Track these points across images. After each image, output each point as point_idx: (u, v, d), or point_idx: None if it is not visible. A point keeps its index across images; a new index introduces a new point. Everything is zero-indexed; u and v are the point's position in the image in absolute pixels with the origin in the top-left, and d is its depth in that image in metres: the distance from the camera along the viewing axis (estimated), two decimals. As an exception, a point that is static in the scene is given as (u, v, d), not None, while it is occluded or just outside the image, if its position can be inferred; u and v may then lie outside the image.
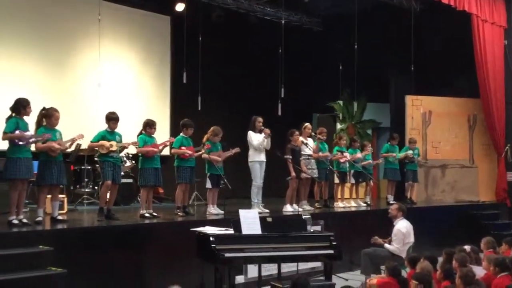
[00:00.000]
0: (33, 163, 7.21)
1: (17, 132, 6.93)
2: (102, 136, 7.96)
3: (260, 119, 9.52)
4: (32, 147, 7.22)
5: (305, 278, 5.46)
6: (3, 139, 6.99)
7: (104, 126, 8.12)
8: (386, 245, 7.95)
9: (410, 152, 12.12)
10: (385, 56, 14.26)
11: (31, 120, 7.33)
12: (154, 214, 8.39)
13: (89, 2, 11.44)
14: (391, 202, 11.23)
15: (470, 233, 10.94)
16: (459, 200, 13.38)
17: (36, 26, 11.08)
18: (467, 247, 6.89)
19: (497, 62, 13.09)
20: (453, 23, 12.99)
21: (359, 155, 11.43)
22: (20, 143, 6.93)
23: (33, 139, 7.11)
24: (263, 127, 9.42)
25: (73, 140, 7.70)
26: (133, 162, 10.70)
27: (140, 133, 8.57)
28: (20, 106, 7.06)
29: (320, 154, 10.49)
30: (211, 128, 9.18)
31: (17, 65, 10.77)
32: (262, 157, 9.47)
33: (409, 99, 13.64)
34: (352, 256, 8.96)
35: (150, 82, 12.86)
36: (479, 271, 6.06)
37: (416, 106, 13.67)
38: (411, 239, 7.98)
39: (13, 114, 7.08)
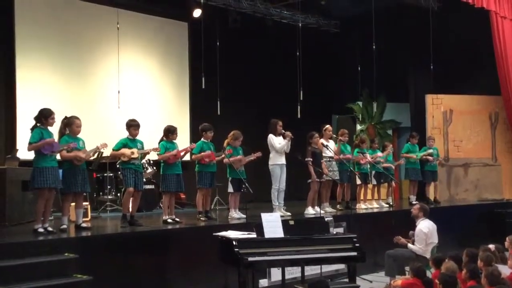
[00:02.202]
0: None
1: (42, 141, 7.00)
2: (123, 144, 8.01)
3: (280, 122, 9.51)
4: (57, 156, 7.31)
5: (324, 281, 5.44)
6: (29, 149, 7.09)
7: (125, 133, 8.18)
8: (410, 245, 7.91)
9: (430, 154, 11.99)
10: (403, 55, 14.20)
11: (54, 129, 7.42)
12: (177, 219, 8.42)
13: (108, 11, 11.57)
14: (414, 202, 11.15)
15: (495, 231, 10.83)
16: (483, 198, 13.25)
17: (56, 36, 11.22)
18: (491, 246, 6.82)
19: (518, 59, 12.95)
20: (472, 20, 12.88)
21: (379, 154, 11.38)
22: (46, 152, 7.02)
23: (59, 148, 7.19)
24: (283, 130, 9.41)
25: (96, 149, 7.77)
26: (155, 168, 10.77)
27: (162, 140, 8.62)
28: (43, 117, 7.15)
29: (342, 156, 10.46)
30: (231, 132, 9.19)
31: (39, 75, 10.92)
32: (283, 160, 9.47)
33: (429, 98, 13.56)
34: (376, 258, 8.92)
35: (169, 88, 12.95)
36: (505, 270, 6.00)
37: (437, 105, 13.59)
38: (435, 239, 7.92)
39: (37, 124, 7.17)
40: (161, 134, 8.66)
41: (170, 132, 8.54)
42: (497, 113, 13.69)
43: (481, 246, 6.64)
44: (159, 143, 8.56)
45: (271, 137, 9.43)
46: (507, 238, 7.26)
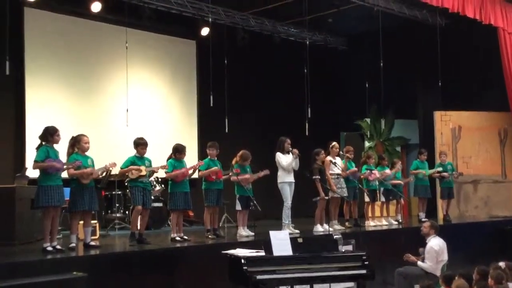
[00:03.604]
0: (65, 189, 7.33)
1: (47, 162, 7.03)
2: (131, 162, 8.04)
3: (288, 140, 9.53)
4: (64, 174, 7.35)
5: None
6: (34, 168, 7.12)
7: (133, 151, 8.22)
8: (419, 263, 7.86)
9: (440, 169, 11.95)
10: (411, 72, 14.23)
11: (60, 147, 7.45)
12: (185, 237, 8.43)
13: (117, 30, 11.69)
14: (423, 219, 11.10)
15: (505, 249, 10.74)
16: (493, 215, 13.15)
17: (65, 56, 11.34)
18: (502, 264, 6.76)
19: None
20: (480, 37, 12.92)
21: (388, 171, 11.35)
22: (51, 171, 7.05)
23: (64, 167, 7.24)
24: (291, 148, 9.43)
25: (105, 169, 7.80)
26: (163, 186, 10.79)
27: (170, 157, 8.65)
28: (48, 134, 7.19)
29: (348, 172, 10.45)
30: (240, 153, 9.22)
31: (48, 94, 11.03)
32: (291, 178, 9.48)
33: (437, 115, 13.55)
34: (385, 276, 8.85)
35: (178, 106, 13.01)
36: (516, 288, 5.95)
37: (445, 121, 13.57)
38: (445, 256, 7.88)
39: (43, 143, 7.21)
40: (169, 151, 8.70)
41: (178, 152, 8.58)
42: (506, 130, 13.66)
43: (491, 264, 6.58)
44: (167, 160, 8.59)
45: (278, 155, 9.44)
46: (518, 256, 7.21)
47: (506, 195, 13.51)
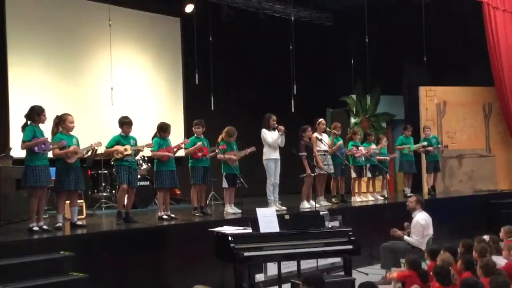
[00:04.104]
0: (50, 169, 7.28)
1: (35, 139, 6.98)
2: (116, 141, 7.99)
3: (274, 117, 9.51)
4: (49, 154, 7.29)
5: (319, 275, 5.47)
6: (22, 148, 7.04)
7: (118, 130, 8.17)
8: (406, 237, 7.93)
9: (425, 143, 12.01)
10: (397, 48, 14.22)
11: (44, 127, 7.37)
12: (172, 215, 8.43)
13: (99, 7, 11.53)
14: (409, 194, 11.18)
15: (490, 222, 10.89)
16: (477, 190, 13.29)
17: (48, 34, 11.19)
18: (486, 237, 6.85)
19: (510, 49, 12.95)
20: (465, 12, 12.90)
21: (373, 146, 11.38)
22: (38, 151, 6.99)
23: (50, 146, 7.18)
24: (277, 125, 9.42)
25: (90, 148, 7.75)
26: (149, 164, 10.77)
27: (155, 136, 8.62)
28: (35, 114, 7.11)
29: (334, 147, 10.47)
30: (226, 129, 9.21)
31: (31, 73, 10.90)
32: (277, 155, 9.47)
33: (422, 90, 13.56)
34: (372, 250, 8.94)
35: (163, 84, 12.93)
36: (500, 261, 6.03)
37: (430, 97, 13.59)
38: (430, 231, 7.95)
39: (29, 122, 7.14)
40: (155, 130, 8.65)
41: (163, 130, 8.54)
42: (490, 104, 13.72)
43: (476, 237, 6.66)
44: (152, 139, 8.56)
45: (264, 131, 9.42)
46: (502, 229, 7.29)
47: (490, 169, 13.63)
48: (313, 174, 9.77)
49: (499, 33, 12.70)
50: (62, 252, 6.35)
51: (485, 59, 12.78)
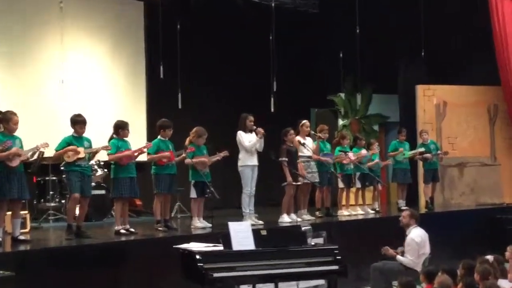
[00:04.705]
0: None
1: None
2: (67, 143, 7.94)
3: (251, 117, 9.51)
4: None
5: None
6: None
7: (69, 130, 8.09)
8: (399, 257, 7.97)
9: (422, 149, 12.09)
10: (391, 41, 14.30)
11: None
12: (131, 230, 8.40)
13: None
14: (403, 208, 11.25)
15: (494, 240, 10.98)
16: (481, 203, 13.40)
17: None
18: (490, 257, 6.91)
19: (519, 45, 13.12)
20: (468, 3, 13.03)
21: (364, 152, 11.44)
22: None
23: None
24: (255, 126, 9.42)
25: (36, 149, 7.67)
26: (106, 170, 10.70)
27: (111, 138, 8.56)
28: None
29: (322, 157, 10.50)
30: (194, 129, 9.18)
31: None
32: (254, 161, 9.47)
33: (420, 89, 13.68)
34: (360, 271, 8.97)
35: (122, 78, 12.84)
36: (505, 285, 6.09)
37: (428, 96, 13.72)
38: (427, 249, 8.00)
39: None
40: (112, 130, 8.60)
41: (121, 128, 8.50)
42: (496, 106, 13.87)
43: (478, 258, 6.71)
44: (109, 141, 8.50)
45: (240, 134, 9.42)
46: (508, 248, 7.36)
47: (495, 180, 13.73)
48: (295, 183, 9.78)
49: (506, 26, 12.84)
50: (1, 272, 6.25)
51: (490, 55, 12.93)
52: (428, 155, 12.06)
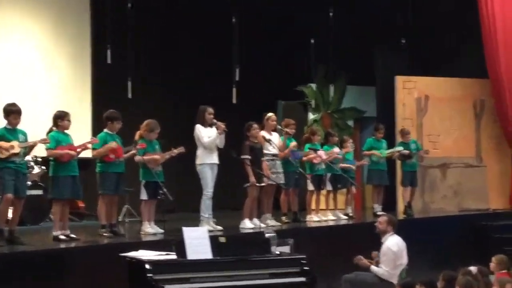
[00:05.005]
0: None
1: None
2: None
3: (210, 109, 9.50)
4: None
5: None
6: None
7: (2, 122, 8.00)
8: (373, 268, 8.03)
9: (401, 148, 12.19)
10: (369, 26, 14.39)
11: None
12: (72, 235, 8.34)
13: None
14: (379, 213, 11.36)
15: (478, 250, 11.15)
16: (464, 208, 13.56)
17: None
18: (473, 268, 6.99)
19: (509, 34, 13.25)
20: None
21: (336, 150, 11.48)
22: None
23: None
24: (215, 120, 9.41)
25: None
26: (43, 167, 10.59)
27: (50, 130, 8.46)
28: None
29: (289, 156, 10.51)
30: (145, 122, 9.15)
31: None
32: (214, 159, 9.47)
33: (399, 81, 13.74)
34: (331, 283, 9.02)
35: (64, 64, 12.71)
36: (489, 299, 6.17)
37: (409, 89, 13.79)
38: (404, 260, 8.08)
39: None
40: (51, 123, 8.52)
41: (60, 119, 8.40)
42: (482, 101, 14.02)
43: (460, 269, 6.79)
44: (47, 134, 8.40)
45: (198, 128, 9.40)
46: (492, 259, 7.47)
47: (480, 183, 13.90)
48: (258, 185, 9.79)
49: (495, 14, 12.97)
50: None
51: (477, 45, 13.07)
52: (405, 151, 12.08)
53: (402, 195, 12.62)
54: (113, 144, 8.68)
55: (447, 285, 6.46)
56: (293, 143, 10.71)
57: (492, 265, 7.43)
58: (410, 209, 12.30)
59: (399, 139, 12.59)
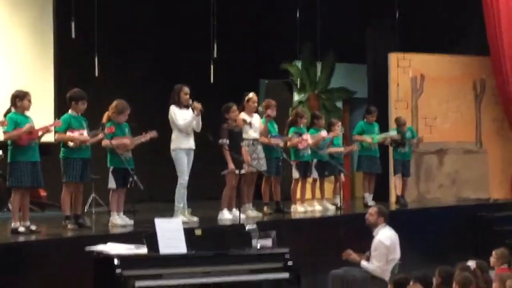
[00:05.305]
0: None
1: None
2: (-48, 118, 7.82)
3: (186, 89, 9.50)
4: None
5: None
6: None
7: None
8: (363, 263, 8.07)
9: (394, 133, 12.21)
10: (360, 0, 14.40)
11: None
12: (33, 227, 8.32)
13: None
14: (370, 203, 11.39)
15: (478, 243, 11.23)
16: (463, 198, 13.66)
17: None
18: (472, 263, 7.05)
19: (512, 9, 13.32)
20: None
21: (323, 134, 11.47)
22: None
23: None
24: (191, 101, 9.40)
25: None
26: (1, 153, 10.54)
27: (8, 111, 8.41)
28: None
29: (272, 140, 10.50)
30: (114, 103, 9.12)
31: None
32: (190, 143, 9.49)
33: (393, 59, 13.74)
34: (317, 280, 9.06)
35: (24, 38, 12.61)
36: (489, 296, 6.22)
37: (403, 67, 13.79)
38: (397, 254, 8.12)
39: None
40: (9, 103, 8.46)
41: (19, 98, 8.36)
42: (483, 81, 14.07)
43: (458, 264, 6.84)
44: (5, 115, 8.35)
45: (173, 110, 9.41)
46: (493, 253, 7.53)
47: (481, 170, 13.97)
48: (237, 172, 9.79)
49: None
50: None
51: (478, 21, 13.09)
52: (396, 135, 12.07)
53: (395, 184, 12.64)
54: (76, 135, 8.64)
55: (443, 281, 6.49)
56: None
57: (493, 259, 7.49)
58: (403, 199, 12.34)
59: (393, 125, 12.57)
